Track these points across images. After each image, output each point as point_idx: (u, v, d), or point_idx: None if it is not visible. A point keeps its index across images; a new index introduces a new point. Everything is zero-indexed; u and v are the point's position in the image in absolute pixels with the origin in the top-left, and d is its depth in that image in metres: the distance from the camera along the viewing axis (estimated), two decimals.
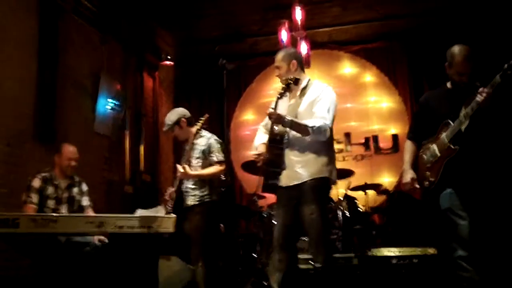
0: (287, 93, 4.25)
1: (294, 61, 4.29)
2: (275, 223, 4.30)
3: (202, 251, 5.07)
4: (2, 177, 5.49)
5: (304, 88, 4.21)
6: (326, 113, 4.01)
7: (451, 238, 3.80)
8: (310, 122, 3.92)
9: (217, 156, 5.13)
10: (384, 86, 9.25)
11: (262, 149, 4.21)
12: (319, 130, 3.92)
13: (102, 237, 5.11)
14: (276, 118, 3.92)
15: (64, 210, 5.18)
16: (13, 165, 5.64)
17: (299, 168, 4.03)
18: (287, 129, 4.03)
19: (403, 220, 6.73)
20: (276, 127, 4.03)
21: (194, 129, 5.15)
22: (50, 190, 5.11)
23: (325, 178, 4.06)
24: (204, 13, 8.81)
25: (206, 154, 5.13)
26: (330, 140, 4.16)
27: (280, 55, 4.33)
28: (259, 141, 4.36)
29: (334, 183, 4.19)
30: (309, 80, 4.27)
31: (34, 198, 5.01)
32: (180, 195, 5.10)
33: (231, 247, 6.71)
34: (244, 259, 6.68)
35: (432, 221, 6.21)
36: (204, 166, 5.12)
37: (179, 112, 5.35)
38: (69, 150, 5.28)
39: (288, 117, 3.93)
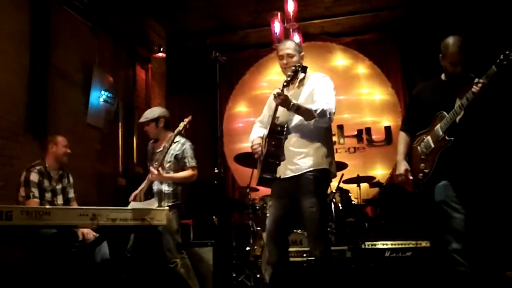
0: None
1: (303, 53, 4.26)
2: (269, 214, 4.26)
3: (178, 249, 5.13)
4: None
5: (303, 79, 4.16)
6: (329, 99, 4.00)
7: (445, 231, 3.80)
8: (314, 105, 3.90)
9: (189, 161, 5.21)
10: (376, 78, 9.25)
11: (258, 142, 4.23)
12: (323, 113, 3.88)
13: (87, 232, 5.08)
14: (283, 100, 3.82)
15: (60, 201, 5.20)
16: (7, 157, 5.62)
17: (298, 159, 3.99)
18: (288, 119, 4.02)
19: (396, 212, 6.74)
20: (277, 118, 4.00)
21: (168, 133, 5.22)
22: (46, 182, 5.11)
23: (325, 169, 4.03)
24: (195, 5, 8.79)
25: (179, 158, 5.20)
26: (329, 133, 4.19)
27: (292, 44, 4.24)
28: (255, 135, 4.35)
29: (334, 176, 4.18)
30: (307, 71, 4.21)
31: (36, 192, 4.99)
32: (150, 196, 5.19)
33: (224, 240, 6.71)
34: (237, 251, 6.69)
35: (426, 214, 6.23)
36: (175, 170, 5.20)
37: (162, 110, 5.43)
38: (63, 138, 5.32)
39: (294, 100, 3.87)
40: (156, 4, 8.67)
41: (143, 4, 8.57)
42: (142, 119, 5.36)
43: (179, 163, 5.21)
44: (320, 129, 4.03)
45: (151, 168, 5.03)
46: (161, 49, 9.01)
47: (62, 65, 6.71)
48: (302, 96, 4.05)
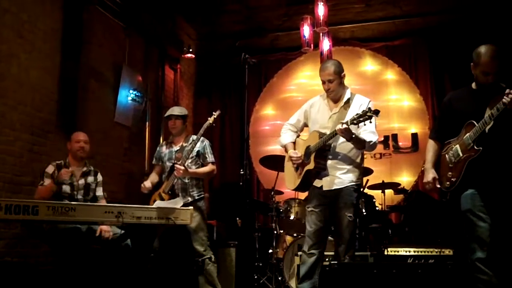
0: (326, 100, 4.59)
1: (344, 73, 4.54)
2: (309, 220, 4.56)
3: (207, 243, 5.37)
4: (26, 165, 5.58)
5: (348, 100, 4.48)
6: (374, 129, 4.39)
7: (470, 240, 3.78)
8: (367, 137, 4.30)
9: (209, 157, 5.49)
10: (405, 84, 9.16)
11: (292, 148, 4.68)
12: (374, 144, 4.38)
13: (105, 229, 5.05)
14: (348, 134, 4.13)
15: (80, 196, 5.23)
16: (37, 154, 5.72)
17: (341, 174, 4.41)
18: (334, 141, 4.39)
19: (420, 219, 6.68)
20: (331, 140, 4.34)
21: (186, 133, 5.60)
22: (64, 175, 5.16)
23: (360, 184, 4.59)
24: (227, 8, 8.83)
25: (199, 154, 5.42)
26: (363, 154, 4.59)
27: (332, 68, 4.49)
28: (288, 139, 4.76)
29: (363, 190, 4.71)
30: (351, 92, 4.58)
31: (47, 182, 5.07)
32: (173, 192, 5.34)
33: (248, 242, 6.72)
34: (260, 253, 6.70)
35: (450, 222, 6.16)
36: (196, 166, 5.41)
37: (187, 111, 5.78)
38: (77, 134, 5.39)
39: (354, 132, 4.19)
40: (189, 5, 8.74)
41: (175, 5, 8.64)
42: (176, 112, 5.55)
43: (199, 159, 5.44)
44: (360, 151, 4.46)
45: (177, 166, 5.16)
46: (190, 49, 9.06)
47: (93, 64, 6.80)
48: (348, 117, 4.27)
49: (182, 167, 5.12)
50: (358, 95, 4.57)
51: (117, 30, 7.39)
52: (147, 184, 5.40)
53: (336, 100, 4.54)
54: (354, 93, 4.60)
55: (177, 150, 5.44)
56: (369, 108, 4.03)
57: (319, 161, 4.41)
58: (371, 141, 4.30)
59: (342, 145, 4.40)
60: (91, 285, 4.86)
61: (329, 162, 4.43)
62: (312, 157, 4.42)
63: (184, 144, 5.44)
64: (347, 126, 4.06)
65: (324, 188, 4.44)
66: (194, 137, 5.46)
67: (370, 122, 4.06)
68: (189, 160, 5.30)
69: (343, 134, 4.12)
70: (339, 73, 4.48)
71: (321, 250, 4.48)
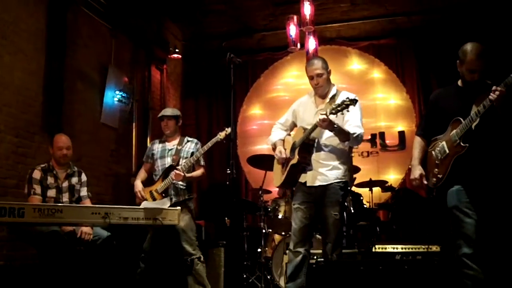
0: (313, 98, 4.61)
1: (330, 69, 4.57)
2: (294, 217, 4.54)
3: (196, 242, 5.38)
4: (12, 168, 5.54)
5: (334, 96, 4.48)
6: (360, 122, 4.40)
7: (456, 236, 3.79)
8: (351, 129, 4.30)
9: (201, 160, 5.51)
10: (392, 83, 9.19)
11: (280, 145, 4.67)
12: (359, 137, 4.33)
13: (85, 231, 5.00)
14: (328, 125, 4.12)
15: (65, 198, 5.21)
16: (22, 156, 5.68)
17: (326, 170, 4.38)
18: (318, 136, 4.41)
19: (408, 217, 6.71)
20: (313, 134, 4.35)
21: (179, 134, 5.62)
22: (49, 180, 5.14)
23: (347, 182, 4.48)
24: (213, 8, 8.83)
25: (194, 158, 5.37)
26: (351, 150, 4.61)
27: (319, 63, 4.52)
28: (276, 137, 4.77)
29: (350, 187, 4.82)
30: (336, 88, 4.56)
31: (37, 189, 5.05)
32: (167, 194, 5.34)
33: (236, 241, 6.72)
34: (248, 253, 6.69)
35: (437, 218, 6.20)
36: (188, 167, 5.37)
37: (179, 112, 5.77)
38: (59, 139, 5.29)
39: (336, 123, 4.16)
40: (175, 6, 8.72)
41: (161, 6, 8.62)
42: (168, 113, 5.58)
43: (191, 162, 5.39)
44: (346, 146, 4.44)
45: (176, 171, 5.20)
46: (177, 50, 9.04)
47: (79, 65, 6.76)
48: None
49: (182, 173, 5.17)
50: (345, 92, 4.56)
51: (102, 31, 7.36)
52: (143, 194, 5.37)
53: (323, 97, 4.56)
54: (341, 91, 4.59)
55: (172, 151, 5.47)
56: (347, 98, 4.07)
57: (304, 156, 4.40)
58: (355, 133, 4.28)
59: (328, 140, 4.41)
60: None
61: (313, 156, 4.42)
62: (296, 152, 4.42)
63: (179, 147, 5.47)
64: (325, 117, 4.05)
65: (308, 184, 4.43)
66: (189, 139, 5.57)
67: (348, 110, 4.08)
68: (184, 161, 5.33)
69: (323, 124, 4.10)
70: (326, 68, 4.52)
71: (307, 248, 4.45)
